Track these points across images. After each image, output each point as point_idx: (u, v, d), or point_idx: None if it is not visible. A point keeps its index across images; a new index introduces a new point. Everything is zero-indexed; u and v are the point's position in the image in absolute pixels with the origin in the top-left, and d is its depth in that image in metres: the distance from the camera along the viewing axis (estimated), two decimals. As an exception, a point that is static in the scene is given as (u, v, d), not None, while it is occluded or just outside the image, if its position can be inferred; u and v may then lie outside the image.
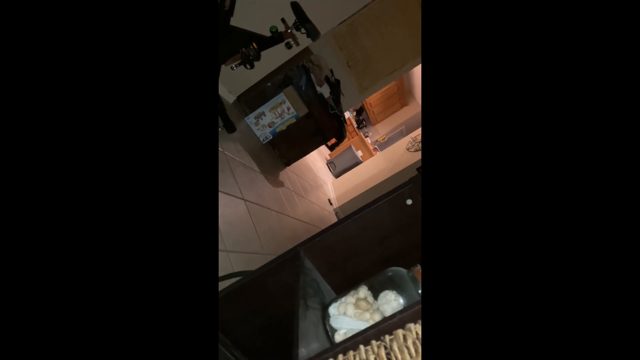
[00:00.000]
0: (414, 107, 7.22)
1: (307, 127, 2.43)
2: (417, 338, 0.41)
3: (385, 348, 0.43)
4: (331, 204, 3.86)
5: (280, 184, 2.39)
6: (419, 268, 0.63)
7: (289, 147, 2.54)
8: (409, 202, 0.71)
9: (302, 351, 0.52)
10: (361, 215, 0.72)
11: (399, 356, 0.40)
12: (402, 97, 7.14)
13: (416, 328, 0.43)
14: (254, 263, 1.30)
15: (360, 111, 7.55)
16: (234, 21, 1.44)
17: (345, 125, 2.74)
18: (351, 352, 0.45)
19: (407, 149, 4.03)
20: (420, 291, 0.61)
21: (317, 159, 4.86)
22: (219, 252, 1.12)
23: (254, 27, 1.58)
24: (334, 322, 0.64)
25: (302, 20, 1.54)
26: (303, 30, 1.57)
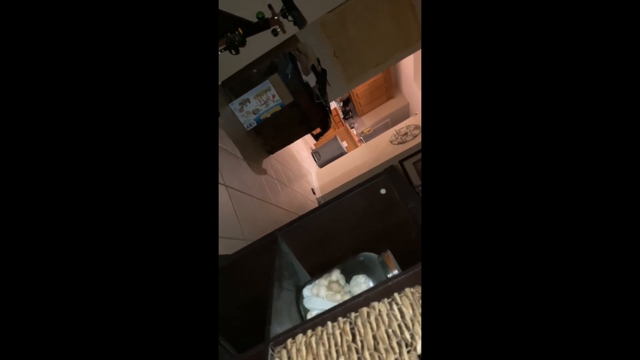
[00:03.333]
0: (400, 100, 7.28)
1: (292, 116, 2.43)
2: (379, 315, 0.45)
3: (350, 324, 0.46)
4: (314, 193, 3.89)
5: (264, 172, 2.40)
6: (388, 253, 0.67)
7: (273, 135, 2.53)
8: (383, 191, 0.74)
9: (276, 328, 0.55)
10: (337, 203, 0.75)
11: (362, 330, 0.44)
12: (388, 89, 7.18)
13: (379, 306, 0.46)
14: (234, 248, 1.31)
15: (347, 102, 7.55)
16: (220, 4, 1.43)
17: (331, 115, 2.76)
18: (319, 328, 0.48)
19: (391, 142, 4.09)
20: (389, 275, 0.65)
21: (302, 148, 4.86)
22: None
23: (240, 11, 1.56)
24: (307, 302, 0.67)
25: (289, 7, 1.53)
26: (290, 17, 1.56)
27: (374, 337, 0.42)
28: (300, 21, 1.56)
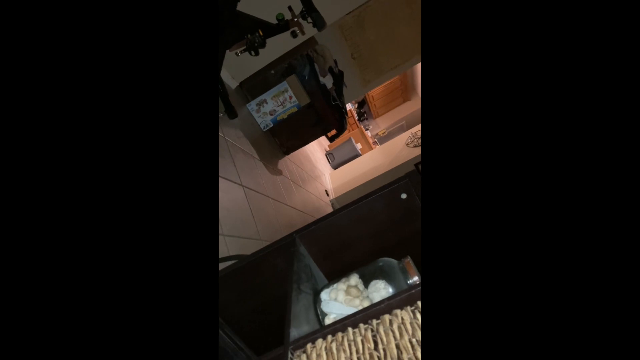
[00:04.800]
0: (416, 103, 7.20)
1: (308, 117, 2.43)
2: (402, 323, 0.44)
3: (372, 331, 0.46)
4: (328, 195, 3.88)
5: (279, 172, 2.41)
6: (409, 259, 0.66)
7: (289, 136, 2.55)
8: (404, 196, 0.73)
9: (294, 332, 0.55)
10: (357, 206, 0.74)
11: (384, 338, 0.43)
12: (404, 91, 7.12)
13: (402, 314, 0.46)
14: (249, 248, 1.32)
15: (362, 103, 7.53)
16: (241, 6, 1.44)
17: (347, 117, 2.75)
18: (340, 334, 0.48)
19: (407, 144, 4.04)
20: (409, 282, 0.64)
21: (317, 149, 4.86)
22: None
23: (260, 13, 1.57)
24: (324, 306, 0.67)
25: (309, 9, 1.54)
26: (309, 19, 1.57)
27: (397, 346, 0.41)
28: (319, 23, 1.56)
